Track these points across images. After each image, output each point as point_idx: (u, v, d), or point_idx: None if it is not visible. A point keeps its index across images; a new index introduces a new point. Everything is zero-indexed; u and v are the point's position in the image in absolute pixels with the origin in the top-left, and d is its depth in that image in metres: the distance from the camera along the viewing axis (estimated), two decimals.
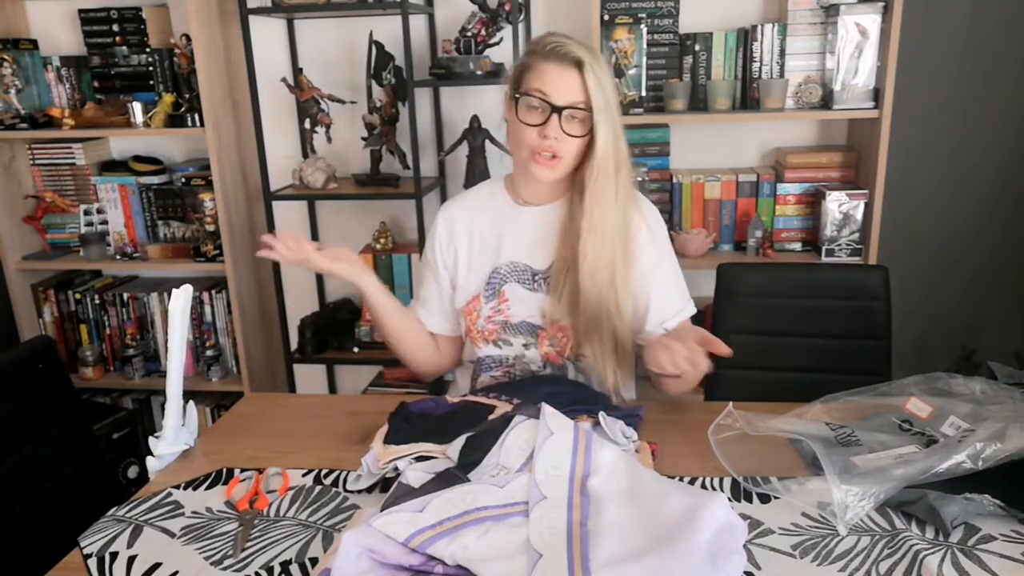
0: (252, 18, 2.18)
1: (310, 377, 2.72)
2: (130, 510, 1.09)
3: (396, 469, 1.09)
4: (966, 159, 2.64)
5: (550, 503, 0.95)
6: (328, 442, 1.27)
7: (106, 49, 2.42)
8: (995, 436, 1.02)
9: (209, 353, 2.54)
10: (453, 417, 1.21)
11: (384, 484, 1.10)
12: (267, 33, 2.43)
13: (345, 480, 1.14)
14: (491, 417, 1.17)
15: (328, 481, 1.14)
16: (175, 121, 2.37)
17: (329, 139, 2.34)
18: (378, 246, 2.41)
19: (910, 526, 0.98)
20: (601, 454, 1.04)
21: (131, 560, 0.98)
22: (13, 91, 2.38)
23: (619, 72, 2.15)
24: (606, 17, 2.12)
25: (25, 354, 1.48)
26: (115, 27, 2.41)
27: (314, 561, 0.96)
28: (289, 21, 2.43)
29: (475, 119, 2.23)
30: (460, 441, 1.08)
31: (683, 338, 1.16)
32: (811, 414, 1.23)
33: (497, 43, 2.23)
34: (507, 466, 1.03)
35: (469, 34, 2.18)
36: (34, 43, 2.47)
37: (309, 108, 2.31)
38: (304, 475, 1.16)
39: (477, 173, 2.22)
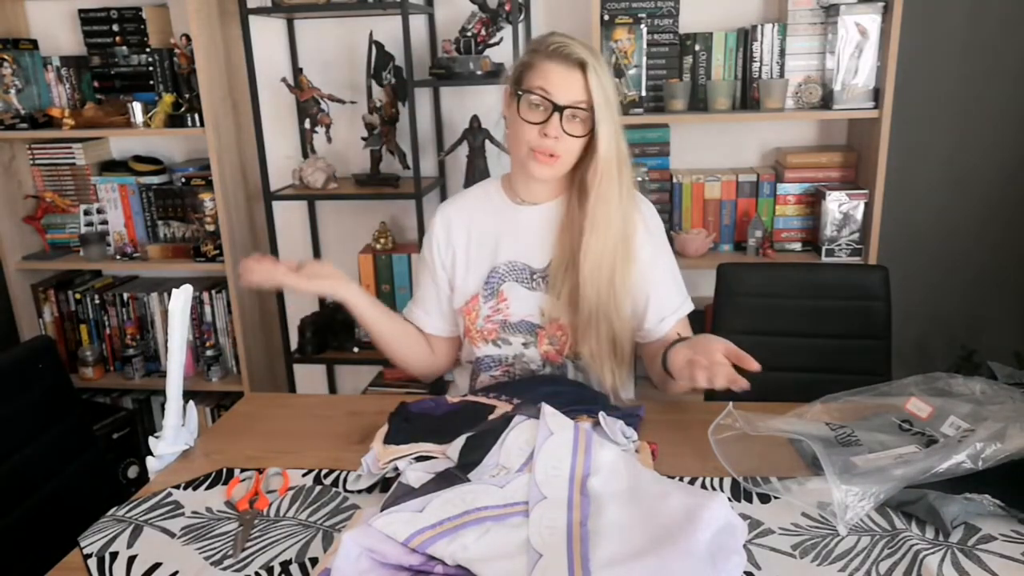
0: (252, 18, 2.18)
1: (310, 377, 2.72)
2: (130, 510, 1.09)
3: (396, 469, 1.09)
4: (966, 159, 2.64)
5: (550, 503, 0.95)
6: (328, 442, 1.27)
7: (106, 49, 2.42)
8: (995, 436, 1.02)
9: (209, 353, 2.54)
10: (453, 417, 1.21)
11: (384, 484, 1.10)
12: (267, 33, 2.43)
13: (345, 480, 1.14)
14: (491, 417, 1.17)
15: (328, 481, 1.14)
16: (175, 121, 2.37)
17: (329, 139, 2.34)
18: (378, 246, 2.41)
19: (910, 526, 0.98)
20: (601, 454, 1.04)
21: (131, 560, 0.98)
22: (13, 91, 2.39)
23: (619, 72, 2.15)
24: (606, 17, 2.12)
25: (25, 354, 1.48)
26: (115, 27, 2.41)
27: (314, 561, 0.96)
28: (289, 21, 2.43)
29: (475, 119, 2.23)
30: (460, 441, 1.08)
31: (710, 351, 1.14)
32: (811, 414, 1.23)
33: (497, 43, 2.23)
34: (507, 466, 1.03)
35: (469, 34, 2.18)
36: (34, 43, 2.47)
37: (309, 108, 2.31)
38: (304, 475, 1.16)
39: (477, 173, 2.22)
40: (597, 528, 0.91)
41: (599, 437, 1.09)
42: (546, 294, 1.39)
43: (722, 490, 1.08)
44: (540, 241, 1.40)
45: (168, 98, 2.37)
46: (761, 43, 2.16)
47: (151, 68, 2.39)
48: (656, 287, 1.40)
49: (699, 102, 2.23)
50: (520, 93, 1.29)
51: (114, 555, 0.99)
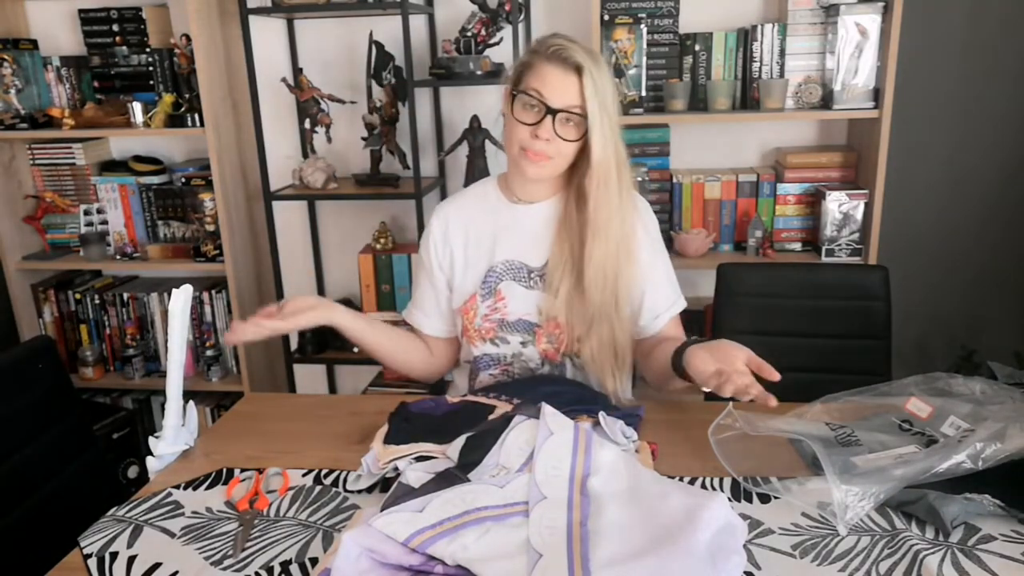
0: (252, 18, 2.18)
1: (310, 377, 2.72)
2: (130, 510, 1.09)
3: (396, 469, 1.09)
4: (966, 159, 2.64)
5: (550, 503, 0.95)
6: (328, 442, 1.27)
7: (106, 49, 2.42)
8: (995, 436, 1.02)
9: (209, 353, 2.54)
10: (453, 417, 1.21)
11: (384, 484, 1.10)
12: (267, 33, 2.43)
13: (345, 480, 1.14)
14: (491, 417, 1.17)
15: (328, 481, 1.14)
16: (175, 121, 2.37)
17: (329, 139, 2.34)
18: (378, 246, 2.41)
19: (910, 526, 0.98)
20: (601, 454, 1.04)
21: (131, 560, 0.98)
22: (13, 91, 2.39)
23: (619, 72, 2.15)
24: (606, 17, 2.12)
25: (25, 354, 1.48)
26: (115, 27, 2.41)
27: (314, 561, 0.96)
28: (289, 21, 2.43)
29: (475, 119, 2.23)
30: (460, 441, 1.08)
31: (732, 359, 1.14)
32: (811, 414, 1.23)
33: (497, 43, 2.23)
34: (507, 466, 1.03)
35: (469, 34, 2.18)
36: (34, 43, 2.47)
37: (309, 108, 2.31)
38: (304, 475, 1.16)
39: (477, 173, 2.22)
40: (597, 528, 0.91)
41: (599, 437, 1.09)
42: (544, 293, 1.39)
43: (722, 490, 1.08)
44: (537, 240, 1.40)
45: (168, 98, 2.37)
46: (761, 43, 2.16)
47: (151, 68, 2.39)
48: (652, 285, 1.41)
49: (699, 102, 2.23)
50: (516, 93, 1.29)
51: (114, 555, 0.99)
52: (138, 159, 2.56)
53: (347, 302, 2.50)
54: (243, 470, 1.18)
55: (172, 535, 1.03)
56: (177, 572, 0.95)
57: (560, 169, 1.33)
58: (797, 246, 2.28)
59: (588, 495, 0.97)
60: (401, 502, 0.94)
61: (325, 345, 2.42)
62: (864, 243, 2.16)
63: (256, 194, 2.49)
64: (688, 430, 1.24)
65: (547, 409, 1.10)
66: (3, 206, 2.51)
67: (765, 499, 1.06)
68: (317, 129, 2.34)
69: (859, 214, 2.15)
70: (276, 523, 1.04)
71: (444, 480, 1.00)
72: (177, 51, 2.32)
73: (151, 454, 1.23)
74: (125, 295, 2.58)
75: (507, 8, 2.18)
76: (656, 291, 1.42)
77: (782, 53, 2.16)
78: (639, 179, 2.22)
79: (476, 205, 1.46)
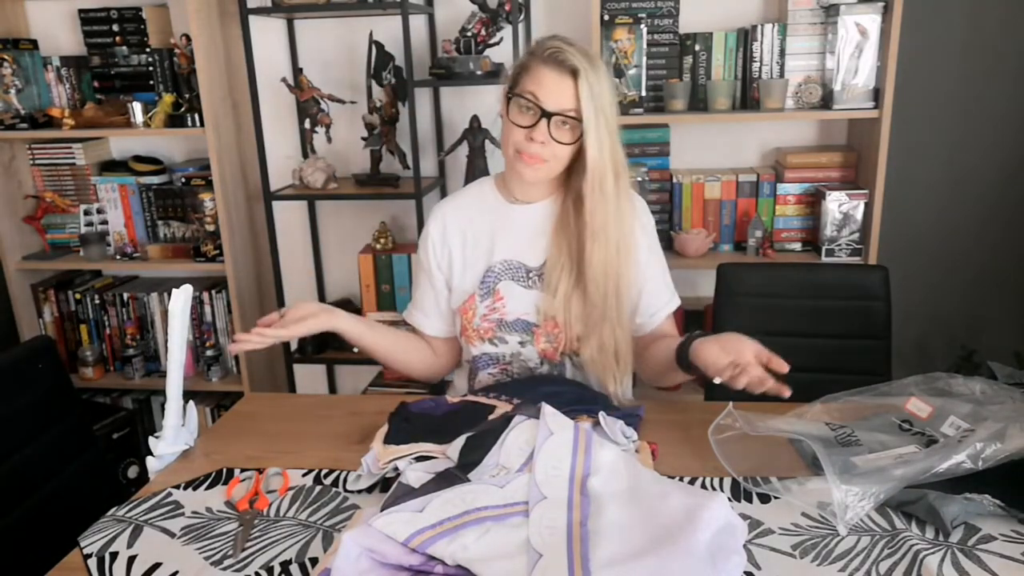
0: (252, 18, 2.18)
1: (310, 377, 2.72)
2: (130, 510, 1.09)
3: (396, 469, 1.09)
4: (966, 159, 2.64)
5: (550, 503, 0.95)
6: (328, 442, 1.27)
7: (106, 49, 2.42)
8: (995, 436, 1.02)
9: (209, 353, 2.54)
10: (453, 417, 1.21)
11: (384, 484, 1.10)
12: (267, 33, 2.43)
13: (345, 480, 1.14)
14: (491, 417, 1.17)
15: (328, 481, 1.14)
16: (175, 121, 2.37)
17: (329, 139, 2.34)
18: (378, 246, 2.41)
19: (910, 526, 0.98)
20: (601, 454, 1.04)
21: (131, 560, 0.98)
22: (13, 91, 2.38)
23: (619, 72, 2.15)
24: (606, 17, 2.12)
25: (25, 354, 1.48)
26: (115, 27, 2.41)
27: (314, 561, 0.96)
28: (289, 21, 2.43)
29: (475, 119, 2.23)
30: (460, 441, 1.08)
31: (741, 352, 1.15)
32: (811, 414, 1.23)
33: (497, 43, 2.23)
34: (507, 466, 1.03)
35: (469, 34, 2.18)
36: (34, 43, 2.47)
37: (309, 108, 2.31)
38: (304, 475, 1.16)
39: (477, 173, 2.22)
40: (597, 528, 0.91)
41: (599, 437, 1.09)
42: (542, 292, 1.39)
43: (722, 490, 1.08)
44: (535, 240, 1.40)
45: (168, 98, 2.37)
46: (761, 43, 2.16)
47: (151, 68, 2.39)
48: (649, 283, 1.41)
49: (699, 102, 2.23)
50: (511, 96, 1.30)
51: (114, 555, 0.99)
52: (138, 159, 2.56)
53: (347, 303, 2.51)
54: (243, 470, 1.18)
55: (172, 535, 1.03)
56: (177, 572, 0.95)
57: (556, 171, 1.33)
58: (797, 246, 2.28)
59: (588, 495, 0.97)
60: (401, 502, 0.94)
61: (325, 345, 2.42)
62: (864, 243, 2.16)
63: (256, 194, 2.49)
64: (688, 430, 1.24)
65: (547, 409, 1.10)
66: (3, 206, 2.51)
67: (765, 499, 1.06)
68: (317, 129, 2.34)
69: (859, 214, 2.15)
70: (276, 523, 1.04)
71: (444, 480, 1.00)
72: (177, 51, 2.32)
73: (151, 454, 1.23)
74: (125, 295, 2.58)
75: (507, 8, 2.18)
76: (652, 290, 1.42)
77: (782, 53, 2.16)
78: (639, 179, 2.22)
79: (474, 205, 1.46)
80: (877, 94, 2.07)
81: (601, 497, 0.97)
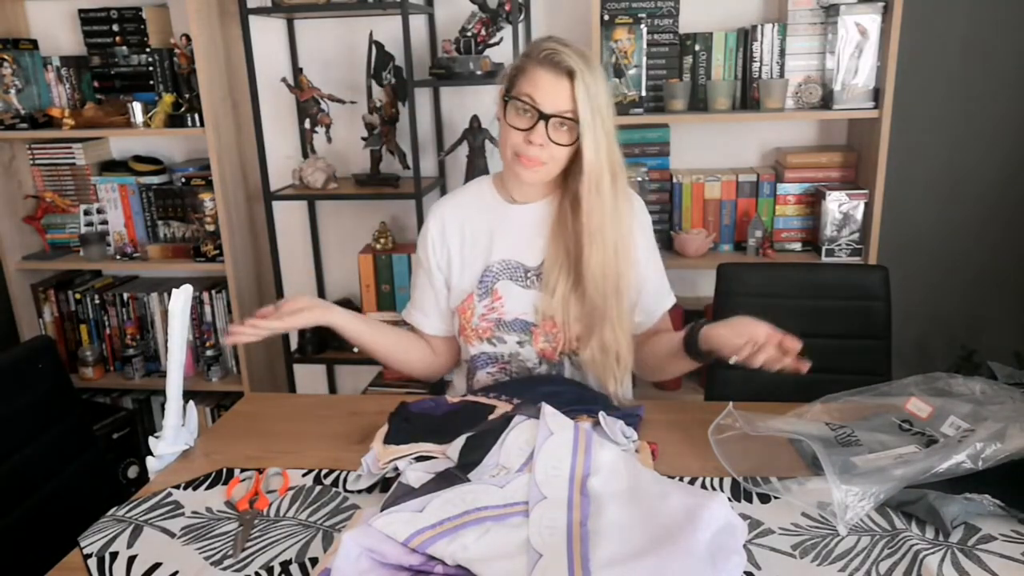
0: (252, 18, 2.18)
1: (310, 377, 2.72)
2: (130, 510, 1.09)
3: (396, 469, 1.09)
4: (966, 159, 2.64)
5: (550, 503, 0.95)
6: (328, 442, 1.27)
7: (106, 49, 2.42)
8: (995, 436, 1.02)
9: (209, 353, 2.54)
10: (453, 417, 1.21)
11: (384, 484, 1.10)
12: (267, 33, 2.43)
13: (345, 480, 1.14)
14: (491, 417, 1.17)
15: (328, 481, 1.14)
16: (175, 121, 2.37)
17: (329, 139, 2.34)
18: (378, 246, 2.41)
19: (910, 526, 0.98)
20: (601, 454, 1.04)
21: (131, 560, 0.98)
22: (13, 91, 2.39)
23: (619, 72, 2.15)
24: (606, 17, 2.12)
25: (25, 354, 1.48)
26: (115, 27, 2.41)
27: (314, 561, 0.96)
28: (289, 21, 2.43)
29: (475, 119, 2.23)
30: (460, 441, 1.08)
31: (754, 333, 1.16)
32: (811, 414, 1.23)
33: (497, 43, 2.23)
34: (507, 466, 1.03)
35: (469, 34, 2.18)
36: (34, 43, 2.47)
37: (309, 108, 2.31)
38: (304, 475, 1.16)
39: (477, 173, 2.22)
40: (597, 528, 0.91)
41: (599, 437, 1.09)
42: (540, 292, 1.39)
43: (722, 490, 1.08)
44: (533, 239, 1.40)
45: (168, 98, 2.37)
46: (761, 43, 2.16)
47: (151, 68, 2.39)
48: (647, 282, 1.42)
49: (699, 102, 2.23)
50: (508, 99, 1.30)
51: (114, 555, 0.99)
52: (138, 159, 2.56)
53: (347, 302, 2.51)
54: (243, 470, 1.18)
55: (172, 535, 1.03)
56: (177, 572, 0.95)
57: (554, 173, 1.33)
58: (797, 246, 2.28)
59: (588, 495, 0.97)
60: (401, 502, 0.94)
61: (325, 345, 2.42)
62: (864, 243, 2.16)
63: (256, 194, 2.49)
64: (688, 430, 1.24)
65: (547, 409, 1.10)
66: (3, 206, 2.51)
67: (765, 499, 1.06)
68: (317, 129, 2.34)
69: (859, 214, 2.15)
70: (276, 523, 1.04)
71: (444, 480, 1.00)
72: (177, 51, 2.32)
73: (151, 454, 1.23)
74: (125, 295, 2.58)
75: (507, 8, 2.18)
76: (650, 288, 1.43)
77: (782, 53, 2.16)
78: (639, 179, 2.22)
79: (472, 204, 1.46)
80: (877, 94, 2.07)
81: (601, 497, 0.97)
